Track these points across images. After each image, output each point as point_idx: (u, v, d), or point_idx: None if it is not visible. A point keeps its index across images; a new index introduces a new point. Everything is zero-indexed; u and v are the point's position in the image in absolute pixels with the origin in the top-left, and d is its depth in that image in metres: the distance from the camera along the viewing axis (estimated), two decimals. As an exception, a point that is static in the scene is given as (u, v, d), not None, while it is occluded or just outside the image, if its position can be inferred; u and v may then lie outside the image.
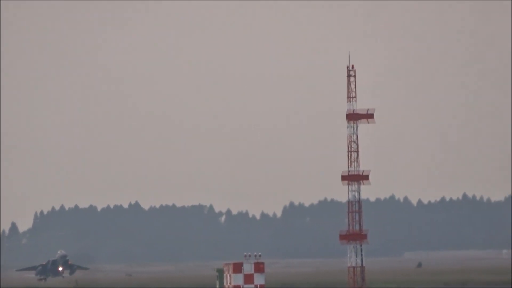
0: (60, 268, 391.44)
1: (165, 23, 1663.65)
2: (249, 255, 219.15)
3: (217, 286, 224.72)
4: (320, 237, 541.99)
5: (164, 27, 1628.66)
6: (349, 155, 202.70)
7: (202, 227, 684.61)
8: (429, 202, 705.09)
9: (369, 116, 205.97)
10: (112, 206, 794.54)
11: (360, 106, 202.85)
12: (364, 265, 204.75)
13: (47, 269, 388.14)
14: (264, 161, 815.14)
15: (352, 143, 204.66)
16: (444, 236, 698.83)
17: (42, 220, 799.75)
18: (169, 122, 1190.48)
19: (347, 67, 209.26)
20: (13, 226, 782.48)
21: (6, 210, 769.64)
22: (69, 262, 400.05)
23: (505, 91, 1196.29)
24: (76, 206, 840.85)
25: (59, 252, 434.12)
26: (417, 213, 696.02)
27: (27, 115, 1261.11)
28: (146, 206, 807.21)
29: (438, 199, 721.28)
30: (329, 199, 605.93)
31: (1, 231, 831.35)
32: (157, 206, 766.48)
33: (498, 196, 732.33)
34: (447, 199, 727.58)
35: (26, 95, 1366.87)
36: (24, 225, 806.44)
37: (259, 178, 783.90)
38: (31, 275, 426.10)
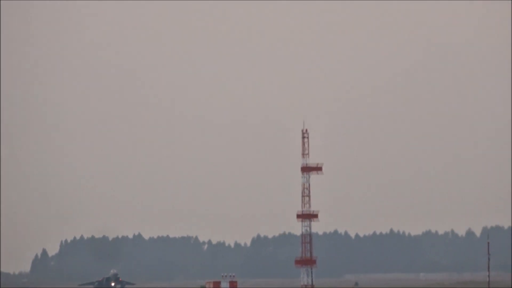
0: (113, 284, 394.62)
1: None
2: (226, 275, 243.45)
3: None
4: (281, 262, 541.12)
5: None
6: (303, 198, 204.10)
7: (189, 253, 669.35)
8: (364, 235, 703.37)
9: (318, 169, 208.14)
10: (120, 237, 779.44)
11: (312, 160, 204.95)
12: (313, 284, 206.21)
13: (103, 284, 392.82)
14: (237, 202, 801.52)
15: (305, 189, 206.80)
16: (375, 262, 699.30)
17: (67, 247, 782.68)
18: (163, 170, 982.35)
19: (302, 131, 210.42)
20: (44, 251, 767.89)
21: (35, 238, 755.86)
22: (120, 279, 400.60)
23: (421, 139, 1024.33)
24: (93, 236, 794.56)
25: (112, 271, 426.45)
26: (355, 244, 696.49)
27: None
28: (146, 237, 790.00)
29: (371, 233, 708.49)
30: (287, 232, 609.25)
31: (35, 255, 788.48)
32: (155, 236, 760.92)
33: (416, 231, 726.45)
34: (378, 233, 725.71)
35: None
36: (52, 250, 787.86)
37: (234, 215, 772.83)
38: None
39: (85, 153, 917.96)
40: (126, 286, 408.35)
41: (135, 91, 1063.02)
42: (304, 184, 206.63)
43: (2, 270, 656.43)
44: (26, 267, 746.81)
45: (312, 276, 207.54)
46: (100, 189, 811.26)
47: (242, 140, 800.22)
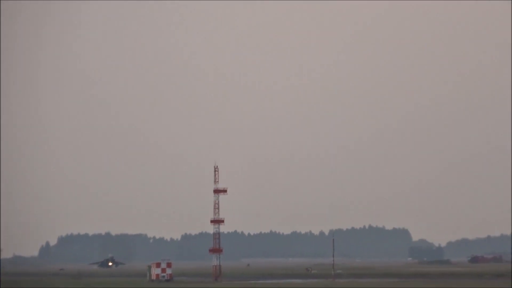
0: (110, 263, 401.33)
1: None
2: (164, 259, 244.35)
3: (148, 275, 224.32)
4: (200, 251, 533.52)
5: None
6: (214, 210, 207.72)
7: (141, 245, 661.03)
8: (254, 233, 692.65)
9: (224, 191, 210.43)
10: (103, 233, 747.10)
11: (220, 186, 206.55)
12: (220, 264, 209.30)
13: (104, 263, 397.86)
14: (172, 211, 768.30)
15: (216, 204, 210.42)
16: (261, 251, 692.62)
17: (62, 240, 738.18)
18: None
19: (214, 167, 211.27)
20: (47, 243, 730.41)
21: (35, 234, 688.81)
22: (115, 260, 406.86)
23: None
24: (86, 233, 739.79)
25: (109, 255, 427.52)
26: (248, 239, 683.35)
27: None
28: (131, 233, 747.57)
29: (258, 232, 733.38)
30: (204, 232, 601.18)
31: (44, 243, 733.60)
32: (120, 233, 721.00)
33: (287, 231, 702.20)
34: (262, 232, 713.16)
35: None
36: (52, 242, 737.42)
37: (170, 220, 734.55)
38: (95, 267, 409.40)
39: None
40: (119, 265, 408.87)
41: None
42: (215, 201, 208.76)
43: (19, 253, 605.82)
44: (35, 253, 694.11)
45: (219, 260, 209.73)
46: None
47: (178, 173, 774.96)
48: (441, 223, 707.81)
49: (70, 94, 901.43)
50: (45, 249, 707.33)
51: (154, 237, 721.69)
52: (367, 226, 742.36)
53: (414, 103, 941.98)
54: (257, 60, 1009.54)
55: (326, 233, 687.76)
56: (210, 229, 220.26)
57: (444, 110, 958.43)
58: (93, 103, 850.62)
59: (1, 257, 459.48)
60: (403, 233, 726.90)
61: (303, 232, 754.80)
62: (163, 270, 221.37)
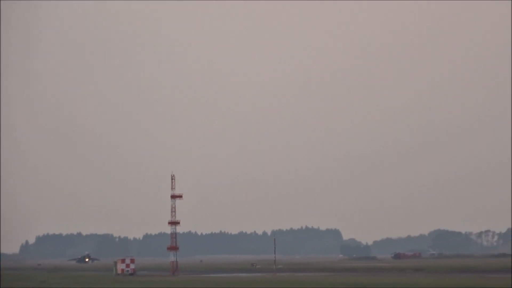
0: (87, 259, 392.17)
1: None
2: (128, 256, 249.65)
3: (114, 269, 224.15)
4: (160, 248, 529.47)
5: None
6: (171, 213, 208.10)
7: (108, 244, 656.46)
8: (206, 233, 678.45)
9: (180, 196, 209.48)
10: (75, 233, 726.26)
11: (177, 192, 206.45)
12: (177, 260, 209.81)
13: (82, 260, 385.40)
14: (136, 213, 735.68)
15: (173, 208, 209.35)
16: (213, 248, 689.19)
17: (39, 239, 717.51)
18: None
19: (171, 175, 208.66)
20: (26, 241, 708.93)
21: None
22: (91, 257, 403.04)
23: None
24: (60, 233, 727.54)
25: (86, 252, 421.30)
26: (200, 238, 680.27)
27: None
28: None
29: (209, 232, 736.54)
30: (163, 232, 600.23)
31: (24, 242, 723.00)
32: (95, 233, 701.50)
33: (234, 231, 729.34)
34: (213, 232, 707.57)
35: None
36: (31, 241, 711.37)
37: (133, 222, 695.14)
38: (73, 262, 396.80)
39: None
40: (95, 261, 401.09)
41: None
42: (172, 205, 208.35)
43: (2, 251, 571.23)
44: (17, 250, 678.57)
45: (176, 256, 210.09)
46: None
47: (139, 180, 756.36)
48: (368, 224, 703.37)
49: (38, 98, 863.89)
50: (25, 247, 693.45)
51: (119, 237, 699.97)
52: (304, 227, 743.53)
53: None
54: (217, 68, 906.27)
55: (269, 233, 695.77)
56: (168, 229, 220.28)
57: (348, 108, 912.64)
58: (63, 109, 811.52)
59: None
60: (335, 233, 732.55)
61: (248, 232, 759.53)
62: (127, 266, 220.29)
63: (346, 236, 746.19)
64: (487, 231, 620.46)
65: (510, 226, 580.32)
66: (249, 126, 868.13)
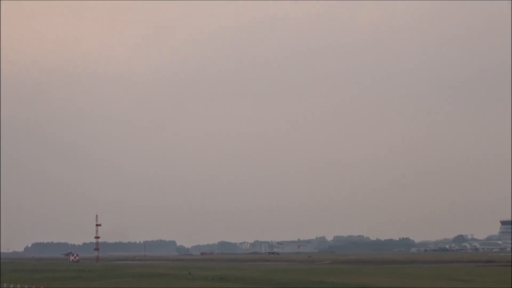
0: (70, 254, 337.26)
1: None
2: (74, 253, 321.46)
3: (69, 259, 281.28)
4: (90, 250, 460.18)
5: None
6: (96, 231, 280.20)
7: (64, 248, 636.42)
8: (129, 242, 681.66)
9: (99, 225, 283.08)
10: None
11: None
12: (98, 254, 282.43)
13: (68, 255, 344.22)
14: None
15: (97, 231, 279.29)
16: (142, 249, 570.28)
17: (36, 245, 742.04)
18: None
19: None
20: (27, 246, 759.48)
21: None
22: (72, 253, 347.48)
23: None
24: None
25: (69, 251, 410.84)
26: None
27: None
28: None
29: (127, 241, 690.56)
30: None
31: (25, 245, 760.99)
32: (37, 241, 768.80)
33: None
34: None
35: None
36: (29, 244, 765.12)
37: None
38: (62, 255, 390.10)
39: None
40: (77, 256, 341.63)
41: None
42: (96, 230, 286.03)
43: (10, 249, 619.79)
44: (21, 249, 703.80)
45: (98, 252, 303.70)
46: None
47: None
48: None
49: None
50: (27, 248, 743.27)
51: (74, 244, 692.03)
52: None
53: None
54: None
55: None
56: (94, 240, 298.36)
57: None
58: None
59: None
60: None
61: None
62: (75, 256, 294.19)
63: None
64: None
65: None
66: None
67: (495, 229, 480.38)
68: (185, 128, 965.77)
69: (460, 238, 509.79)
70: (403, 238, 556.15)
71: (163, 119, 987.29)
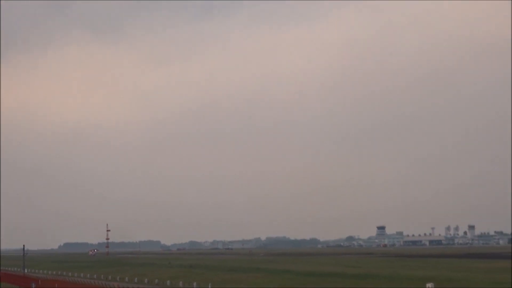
0: (95, 250, 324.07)
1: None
2: (95, 249, 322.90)
3: (89, 252, 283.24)
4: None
5: None
6: (107, 234, 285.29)
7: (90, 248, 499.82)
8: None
9: (109, 229, 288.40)
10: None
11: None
12: (108, 247, 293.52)
13: (95, 251, 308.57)
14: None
15: (107, 225, 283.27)
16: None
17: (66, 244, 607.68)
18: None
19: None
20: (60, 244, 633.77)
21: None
22: (96, 249, 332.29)
23: None
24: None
25: (96, 248, 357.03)
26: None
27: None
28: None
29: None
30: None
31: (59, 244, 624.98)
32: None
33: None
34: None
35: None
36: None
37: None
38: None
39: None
40: (95, 251, 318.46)
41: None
42: (107, 224, 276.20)
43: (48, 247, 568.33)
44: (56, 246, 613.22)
45: (108, 250, 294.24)
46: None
47: None
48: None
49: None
50: (61, 246, 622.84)
51: (86, 242, 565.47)
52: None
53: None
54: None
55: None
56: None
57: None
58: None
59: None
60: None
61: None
62: (94, 251, 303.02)
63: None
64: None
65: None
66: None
67: (373, 231, 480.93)
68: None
69: (350, 238, 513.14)
70: (312, 238, 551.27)
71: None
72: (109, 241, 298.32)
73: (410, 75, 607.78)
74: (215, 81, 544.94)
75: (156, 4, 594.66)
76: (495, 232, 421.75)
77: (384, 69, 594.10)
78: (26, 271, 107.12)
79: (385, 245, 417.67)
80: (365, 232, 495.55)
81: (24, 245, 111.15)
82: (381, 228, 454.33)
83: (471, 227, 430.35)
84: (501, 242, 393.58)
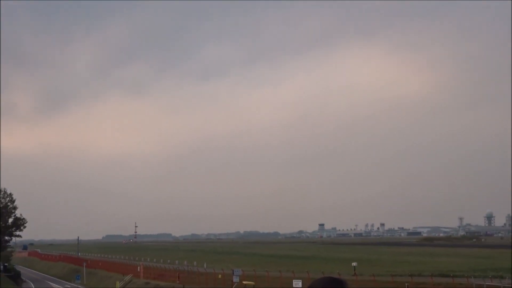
0: (131, 240, 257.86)
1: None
2: (128, 239, 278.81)
3: (123, 241, 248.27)
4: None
5: None
6: (135, 229, 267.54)
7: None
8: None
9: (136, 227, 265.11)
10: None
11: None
12: (136, 236, 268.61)
13: (128, 239, 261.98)
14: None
15: (135, 223, 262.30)
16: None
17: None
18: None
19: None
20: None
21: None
22: (131, 240, 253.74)
23: None
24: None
25: (130, 239, 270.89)
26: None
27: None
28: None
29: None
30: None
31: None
32: None
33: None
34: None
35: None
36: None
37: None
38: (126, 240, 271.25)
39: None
40: (132, 239, 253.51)
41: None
42: (135, 222, 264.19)
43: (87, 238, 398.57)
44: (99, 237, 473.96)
45: (135, 240, 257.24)
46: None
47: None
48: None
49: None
50: (105, 237, 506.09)
51: (121, 234, 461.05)
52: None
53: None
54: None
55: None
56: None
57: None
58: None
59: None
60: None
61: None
62: (126, 241, 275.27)
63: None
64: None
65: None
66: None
67: (316, 227, 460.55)
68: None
69: (300, 232, 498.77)
70: (275, 231, 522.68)
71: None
72: (137, 233, 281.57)
73: (334, 124, 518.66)
74: (209, 126, 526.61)
75: (170, 71, 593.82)
76: (398, 227, 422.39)
77: (322, 120, 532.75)
78: (79, 254, 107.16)
79: (321, 237, 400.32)
80: (310, 227, 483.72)
81: (78, 236, 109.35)
82: (322, 225, 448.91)
83: (382, 224, 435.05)
84: (402, 234, 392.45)
